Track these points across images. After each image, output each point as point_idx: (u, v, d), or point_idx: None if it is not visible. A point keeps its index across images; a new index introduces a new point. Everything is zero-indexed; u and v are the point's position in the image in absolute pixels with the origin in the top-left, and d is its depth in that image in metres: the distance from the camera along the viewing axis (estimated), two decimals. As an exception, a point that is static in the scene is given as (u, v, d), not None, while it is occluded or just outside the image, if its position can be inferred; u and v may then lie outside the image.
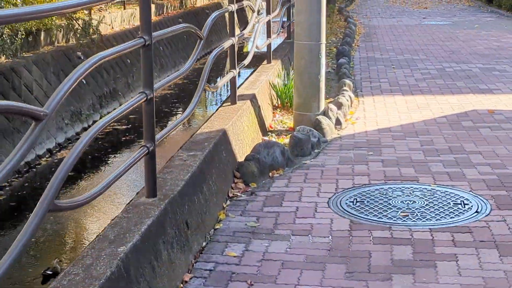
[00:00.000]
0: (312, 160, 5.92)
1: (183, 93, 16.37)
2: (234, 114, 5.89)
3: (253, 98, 6.68)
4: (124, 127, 13.58)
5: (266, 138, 6.61)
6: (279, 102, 7.83)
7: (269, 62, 8.62)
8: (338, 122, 7.03)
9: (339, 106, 7.43)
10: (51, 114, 2.50)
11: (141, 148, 3.69)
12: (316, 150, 6.18)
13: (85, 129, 13.41)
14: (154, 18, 20.72)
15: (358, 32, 15.63)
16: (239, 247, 4.10)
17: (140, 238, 3.27)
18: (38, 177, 11.00)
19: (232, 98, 6.27)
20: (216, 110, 6.08)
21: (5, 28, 11.47)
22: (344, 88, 8.42)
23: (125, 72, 16.35)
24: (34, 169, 11.28)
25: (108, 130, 12.61)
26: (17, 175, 10.83)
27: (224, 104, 6.31)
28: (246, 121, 6.15)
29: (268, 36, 8.66)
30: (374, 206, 4.78)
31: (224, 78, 5.93)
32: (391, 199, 4.92)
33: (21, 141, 2.44)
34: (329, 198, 4.93)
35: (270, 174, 5.47)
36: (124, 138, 12.52)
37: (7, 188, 10.37)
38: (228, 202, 4.87)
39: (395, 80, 9.77)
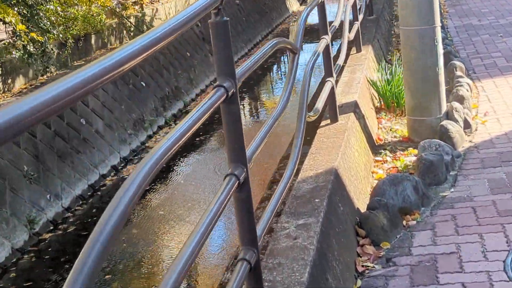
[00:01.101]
0: (452, 190, 4.39)
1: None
2: (341, 139, 4.40)
3: (356, 108, 5.17)
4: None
5: (379, 158, 5.11)
6: (382, 103, 6.29)
7: (359, 50, 7.07)
8: (467, 125, 5.46)
9: (461, 100, 5.84)
10: None
11: (240, 262, 2.27)
12: (452, 172, 4.65)
13: (150, 137, 12.17)
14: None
15: (440, -6, 13.81)
16: None
17: None
18: (104, 202, 9.78)
19: (332, 114, 4.78)
20: (315, 135, 4.59)
21: (51, 39, 10.23)
22: (457, 73, 6.80)
23: (185, 67, 15.01)
24: (99, 192, 10.07)
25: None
26: (80, 202, 9.63)
27: (322, 123, 4.82)
28: (355, 143, 4.66)
29: (355, 19, 7.09)
30: None
31: (323, 94, 4.43)
32: None
33: None
34: (504, 262, 3.41)
35: (404, 221, 3.98)
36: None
37: (71, 220, 9.18)
38: (360, 283, 3.40)
39: (510, 53, 8.06)
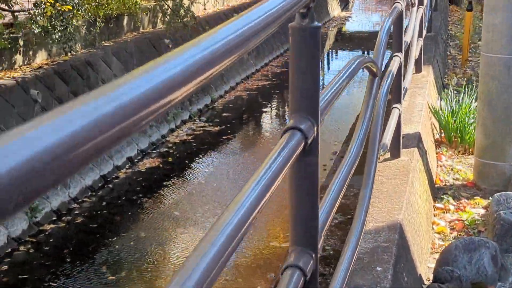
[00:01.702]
0: (534, 263, 3.56)
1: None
2: (405, 182, 3.58)
3: (419, 143, 4.35)
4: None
5: (439, 205, 4.28)
6: (442, 135, 5.46)
7: (418, 71, 6.22)
8: (545, 178, 4.61)
9: (537, 145, 4.99)
10: None
11: None
12: (531, 238, 3.82)
13: (172, 130, 11.41)
14: (234, 2, 17.67)
15: None
16: None
17: None
18: (115, 195, 9.03)
19: (395, 149, 3.95)
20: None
21: (79, 16, 9.48)
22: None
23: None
24: (111, 185, 9.32)
25: None
26: (89, 193, 8.87)
27: (380, 158, 3.99)
28: (418, 188, 3.84)
29: (420, 35, 6.24)
30: None
31: (390, 124, 3.61)
32: None
33: None
34: None
35: (477, 301, 3.16)
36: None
37: (76, 212, 8.43)
38: None
39: None
